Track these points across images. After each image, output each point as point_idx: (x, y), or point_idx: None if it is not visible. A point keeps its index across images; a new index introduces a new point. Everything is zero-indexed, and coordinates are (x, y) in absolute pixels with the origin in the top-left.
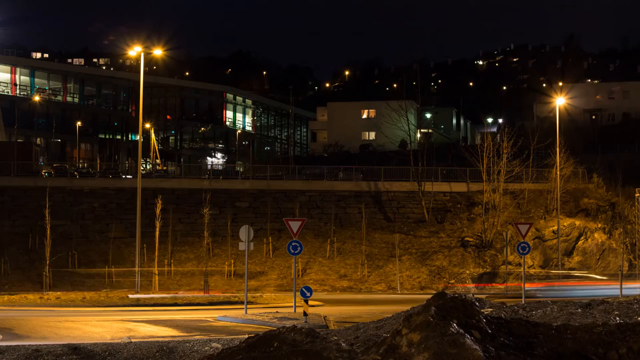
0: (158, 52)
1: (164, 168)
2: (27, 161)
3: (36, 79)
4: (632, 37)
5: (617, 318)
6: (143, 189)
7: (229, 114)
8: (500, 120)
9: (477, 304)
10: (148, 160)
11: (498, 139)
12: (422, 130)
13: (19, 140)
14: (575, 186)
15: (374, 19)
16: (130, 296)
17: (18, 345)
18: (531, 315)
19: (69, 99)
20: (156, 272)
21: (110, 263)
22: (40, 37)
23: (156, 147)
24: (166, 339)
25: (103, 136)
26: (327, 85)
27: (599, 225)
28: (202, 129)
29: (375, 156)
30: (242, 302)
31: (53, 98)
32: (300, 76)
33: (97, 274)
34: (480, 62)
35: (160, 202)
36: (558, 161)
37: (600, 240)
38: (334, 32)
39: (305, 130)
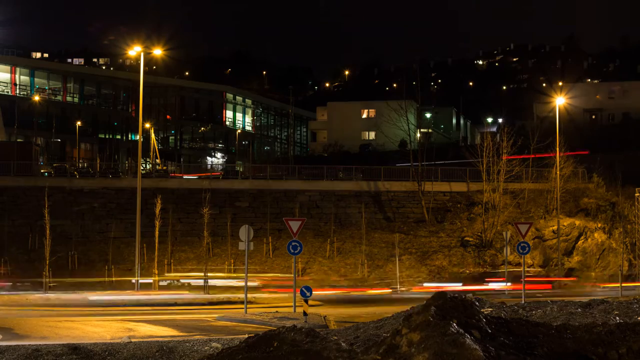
0: (158, 52)
1: (164, 168)
2: (27, 161)
3: (36, 79)
4: (632, 37)
5: (617, 318)
6: (143, 189)
7: (229, 113)
8: (500, 120)
9: (477, 303)
10: (148, 160)
11: (498, 139)
12: (422, 130)
13: (18, 140)
14: (575, 186)
15: (374, 18)
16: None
17: (18, 345)
18: (531, 315)
19: (68, 98)
20: (156, 271)
21: (110, 263)
22: (40, 37)
23: (156, 147)
24: (166, 339)
25: (103, 136)
26: (327, 85)
27: (599, 225)
28: (202, 128)
29: (375, 156)
30: (242, 302)
31: (53, 98)
32: (300, 76)
33: (97, 274)
34: (480, 62)
35: (160, 202)
36: (558, 161)
37: (600, 240)
38: (333, 32)
39: (305, 130)
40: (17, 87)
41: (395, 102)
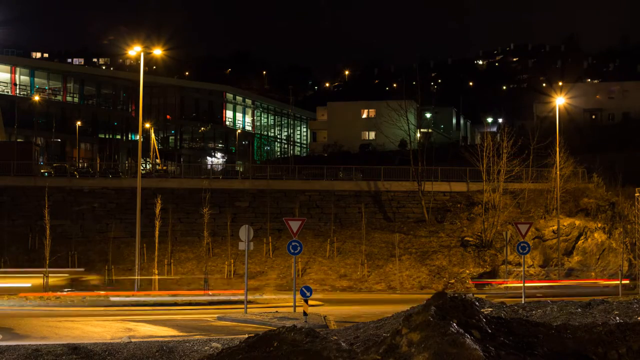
0: (158, 52)
1: (164, 168)
2: (27, 161)
3: (36, 79)
4: (632, 37)
5: (617, 318)
6: (143, 189)
7: (229, 113)
8: (500, 120)
9: (477, 303)
10: (148, 160)
11: (498, 139)
12: (422, 130)
13: (19, 140)
14: (575, 186)
15: (374, 18)
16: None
17: (18, 345)
18: (531, 315)
19: (68, 98)
20: (156, 271)
21: (110, 263)
22: (40, 37)
23: (156, 147)
24: (166, 339)
25: (103, 136)
26: (327, 85)
27: (599, 225)
28: (202, 128)
29: (375, 156)
30: (242, 302)
31: (53, 98)
32: (300, 76)
33: (97, 274)
34: (480, 62)
35: (160, 202)
36: (558, 161)
37: (600, 240)
38: (333, 32)
39: (305, 130)
40: (17, 87)
41: (395, 102)
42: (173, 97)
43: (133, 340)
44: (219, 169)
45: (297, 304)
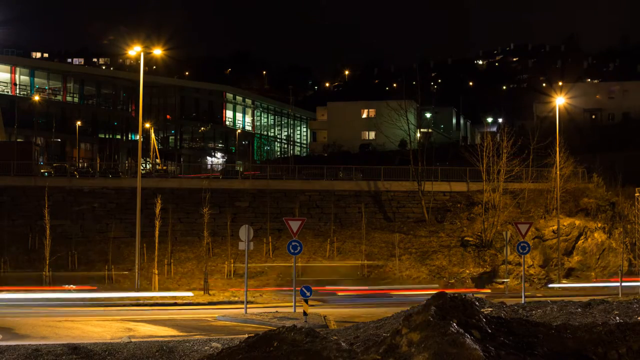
0: (158, 52)
1: (164, 168)
2: (27, 161)
3: (36, 79)
4: (632, 37)
5: (617, 318)
6: (143, 189)
7: (229, 113)
8: (500, 120)
9: (476, 303)
10: (148, 160)
11: (498, 139)
12: (422, 130)
13: (19, 140)
14: (575, 186)
15: (374, 18)
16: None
17: (18, 345)
18: (531, 314)
19: (68, 98)
20: (156, 271)
21: (110, 263)
22: (40, 37)
23: (156, 147)
24: (166, 339)
25: (103, 136)
26: (327, 85)
27: (599, 225)
28: (202, 128)
29: (375, 156)
30: (242, 302)
31: (53, 98)
32: (300, 76)
33: (97, 274)
34: (480, 62)
35: (159, 201)
36: (558, 161)
37: (600, 240)
38: (334, 32)
39: (305, 130)
40: (17, 87)
41: (395, 102)
42: (173, 97)
43: (133, 340)
44: (219, 169)
45: (297, 304)
